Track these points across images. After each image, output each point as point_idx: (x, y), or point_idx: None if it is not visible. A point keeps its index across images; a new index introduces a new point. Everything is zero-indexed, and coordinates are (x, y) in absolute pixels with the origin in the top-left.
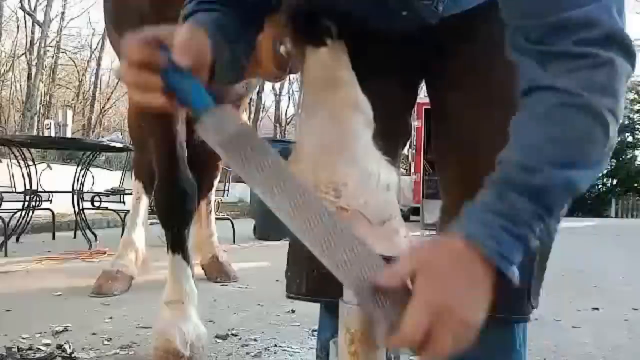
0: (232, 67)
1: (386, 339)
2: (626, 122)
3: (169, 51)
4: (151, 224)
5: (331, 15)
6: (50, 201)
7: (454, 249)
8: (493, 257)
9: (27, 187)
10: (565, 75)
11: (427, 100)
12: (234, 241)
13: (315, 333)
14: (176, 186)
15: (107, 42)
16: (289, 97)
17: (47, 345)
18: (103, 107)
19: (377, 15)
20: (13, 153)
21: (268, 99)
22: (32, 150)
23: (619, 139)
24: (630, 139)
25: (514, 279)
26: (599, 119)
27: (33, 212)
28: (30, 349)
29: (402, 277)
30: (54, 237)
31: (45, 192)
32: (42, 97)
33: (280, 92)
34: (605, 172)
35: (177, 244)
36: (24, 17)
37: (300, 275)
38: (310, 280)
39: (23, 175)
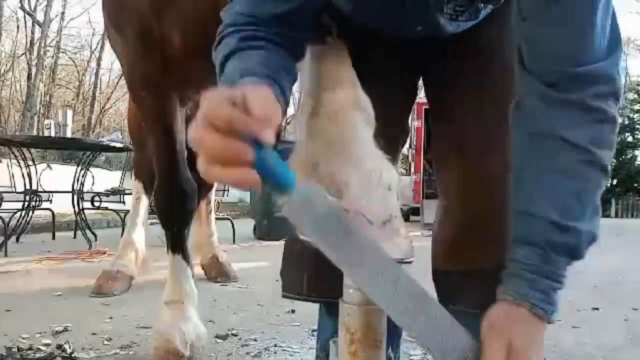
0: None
1: None
2: (626, 122)
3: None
4: (151, 224)
5: (331, 16)
6: (50, 201)
7: (525, 319)
8: (549, 315)
9: (27, 187)
10: (577, 127)
11: (426, 99)
12: (234, 241)
13: (315, 333)
14: (176, 186)
15: (107, 42)
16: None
17: (47, 345)
18: (103, 107)
19: (392, 29)
20: (13, 153)
21: None
22: (32, 150)
23: (619, 139)
24: (630, 139)
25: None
26: (605, 172)
27: (33, 212)
28: (30, 349)
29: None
30: (54, 237)
31: (45, 192)
32: (42, 97)
33: None
34: None
35: (177, 244)
36: (24, 17)
37: (298, 276)
38: (308, 280)
39: (23, 175)
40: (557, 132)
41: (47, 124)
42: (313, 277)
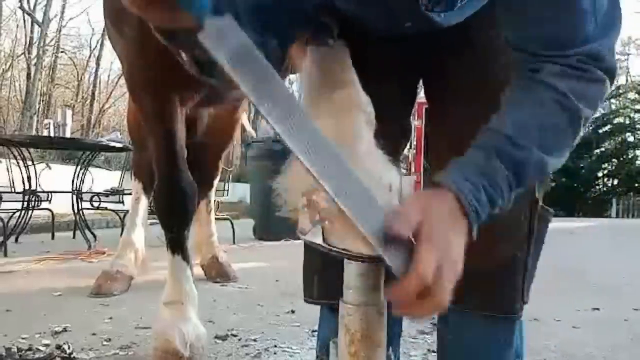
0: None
1: (398, 286)
2: (627, 121)
3: None
4: (151, 224)
5: (332, 16)
6: (50, 201)
7: (448, 201)
8: (471, 214)
9: (27, 187)
10: (565, 80)
11: (425, 99)
12: (234, 241)
13: (315, 333)
14: (176, 186)
15: (107, 42)
16: None
17: (46, 345)
18: (102, 107)
19: (383, 26)
20: (12, 153)
21: None
22: (31, 150)
23: (620, 139)
24: (631, 138)
25: (474, 234)
26: (578, 123)
27: (32, 212)
28: (29, 349)
29: (412, 224)
30: (53, 237)
31: (44, 192)
32: (41, 97)
33: None
34: (605, 172)
35: (176, 244)
36: (23, 16)
37: (311, 279)
38: (320, 283)
39: (22, 175)
40: (540, 77)
41: (46, 124)
42: (322, 280)
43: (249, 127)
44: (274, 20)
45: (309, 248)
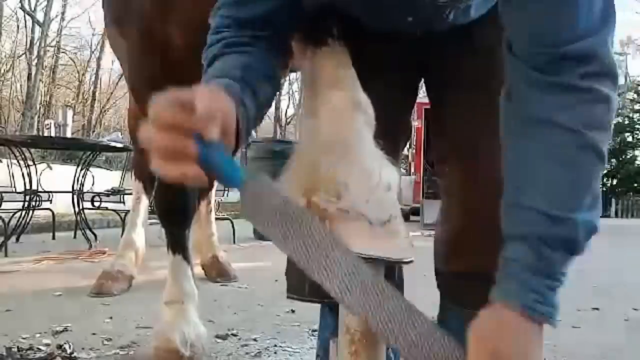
0: (258, 115)
1: None
2: (626, 122)
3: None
4: (151, 224)
5: (332, 15)
6: (50, 201)
7: (517, 324)
8: (546, 317)
9: (27, 187)
10: (568, 110)
11: (427, 100)
12: (234, 241)
13: (315, 333)
14: (176, 186)
15: (107, 42)
16: (289, 97)
17: (47, 345)
18: (103, 107)
19: (382, 19)
20: (13, 153)
21: None
22: (32, 150)
23: (619, 139)
24: (630, 138)
25: (556, 321)
26: (601, 157)
27: (33, 212)
28: (30, 349)
29: None
30: (54, 237)
31: (45, 192)
32: (42, 97)
33: (280, 92)
34: (605, 172)
35: (177, 244)
36: (24, 17)
37: (300, 277)
38: (310, 281)
39: (23, 175)
40: (548, 116)
41: (47, 124)
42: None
43: None
44: (273, 29)
45: None
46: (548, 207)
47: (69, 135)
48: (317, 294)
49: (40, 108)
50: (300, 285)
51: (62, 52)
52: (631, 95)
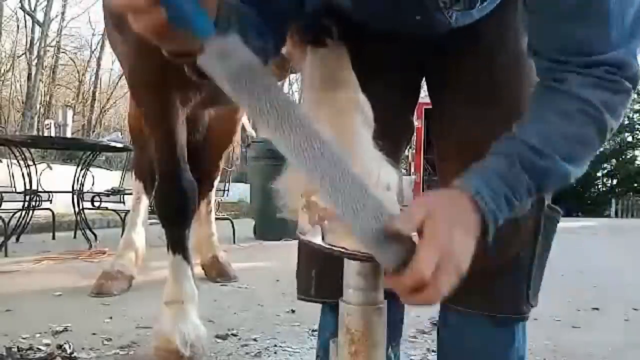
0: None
1: (394, 279)
2: (626, 122)
3: None
4: (151, 224)
5: (331, 16)
6: (50, 201)
7: (461, 202)
8: (489, 218)
9: (27, 187)
10: (592, 89)
11: (427, 100)
12: (234, 241)
13: (315, 333)
14: (177, 186)
15: (107, 42)
16: None
17: (47, 345)
18: (103, 107)
19: (390, 18)
20: (13, 153)
21: None
22: (32, 150)
23: (619, 139)
24: (630, 138)
25: (490, 238)
26: (603, 134)
27: (33, 212)
28: (30, 348)
29: (415, 221)
30: (54, 237)
31: (45, 192)
32: (42, 97)
33: None
34: (605, 172)
35: (177, 243)
36: (24, 17)
37: (309, 278)
38: (318, 282)
39: (23, 175)
40: (575, 90)
41: (47, 124)
42: (320, 279)
43: (249, 128)
44: (273, 17)
45: (305, 247)
46: (537, 143)
47: (69, 135)
48: (323, 295)
49: (40, 108)
50: (308, 286)
51: (62, 52)
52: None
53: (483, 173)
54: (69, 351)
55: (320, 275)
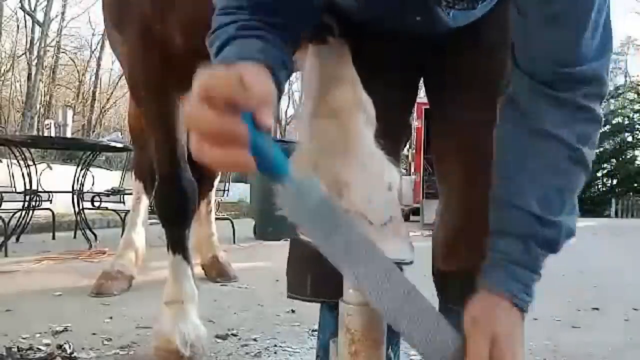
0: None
1: None
2: (626, 122)
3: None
4: (151, 224)
5: (332, 14)
6: (50, 201)
7: (505, 309)
8: (526, 309)
9: (27, 187)
10: (567, 125)
11: (427, 100)
12: (234, 241)
13: (315, 333)
14: (176, 186)
15: (107, 42)
16: (289, 97)
17: (47, 345)
18: (103, 107)
19: (390, 18)
20: (13, 153)
21: None
22: (32, 150)
23: (619, 139)
24: (630, 139)
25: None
26: (587, 171)
27: (33, 212)
28: (30, 348)
29: (484, 356)
30: (54, 237)
31: (45, 192)
32: (42, 97)
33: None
34: (605, 172)
35: (177, 243)
36: (24, 17)
37: (302, 277)
38: (312, 281)
39: (23, 175)
40: (548, 128)
41: (47, 124)
42: (316, 278)
43: None
44: (281, 16)
45: (300, 246)
46: (539, 211)
47: (69, 135)
48: (318, 294)
49: (40, 108)
50: (302, 285)
51: (62, 52)
52: (631, 95)
53: (508, 270)
54: (69, 351)
55: (316, 275)
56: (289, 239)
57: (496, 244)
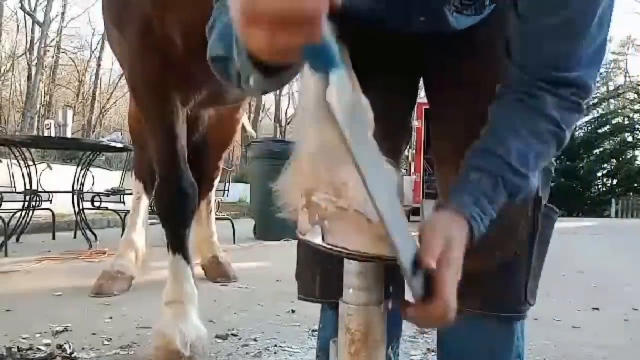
0: None
1: (420, 309)
2: (626, 121)
3: None
4: (151, 224)
5: (332, 15)
6: (50, 201)
7: (461, 225)
8: (477, 235)
9: (27, 187)
10: (560, 110)
11: (427, 100)
12: (234, 241)
13: (315, 333)
14: (176, 186)
15: (107, 42)
16: (289, 97)
17: (47, 345)
18: (103, 107)
19: (393, 17)
20: (13, 153)
21: (268, 99)
22: (32, 150)
23: (619, 139)
24: (630, 139)
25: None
26: (560, 148)
27: (33, 212)
28: (30, 349)
29: (437, 254)
30: (54, 237)
31: (45, 192)
32: (42, 97)
33: (280, 92)
34: (605, 172)
35: (177, 243)
36: (24, 17)
37: (312, 278)
38: (322, 283)
39: (23, 175)
40: (542, 107)
41: (47, 124)
42: (324, 280)
43: (249, 128)
44: None
45: (307, 247)
46: (515, 163)
47: (69, 135)
48: (327, 296)
49: (40, 108)
50: (311, 287)
51: (62, 52)
52: (631, 95)
53: (474, 195)
54: (69, 351)
55: (323, 275)
56: (289, 239)
57: (469, 174)
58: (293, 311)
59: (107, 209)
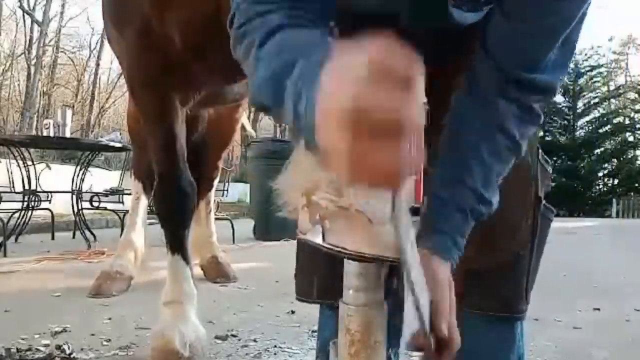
0: None
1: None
2: (627, 121)
3: None
4: (151, 224)
5: (332, 14)
6: (49, 201)
7: (447, 267)
8: (453, 263)
9: (26, 187)
10: (520, 125)
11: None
12: (233, 241)
13: (315, 334)
14: (176, 186)
15: (106, 42)
16: None
17: (46, 345)
18: (102, 107)
19: (401, 13)
20: (12, 153)
21: None
22: (31, 150)
23: (620, 139)
24: (631, 138)
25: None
26: (517, 159)
27: (32, 212)
28: (29, 349)
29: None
30: (53, 237)
31: (44, 192)
32: (41, 97)
33: None
34: (606, 172)
35: (176, 244)
36: (23, 16)
37: (310, 279)
38: (320, 283)
39: (22, 175)
40: (501, 120)
41: (46, 124)
42: (322, 280)
43: (249, 127)
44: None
45: (307, 248)
46: (483, 191)
47: (68, 135)
48: (324, 296)
49: (39, 108)
50: (309, 287)
51: (61, 52)
52: (632, 95)
53: (452, 236)
54: (68, 352)
55: (321, 276)
56: (289, 239)
57: (442, 212)
58: (293, 312)
59: (106, 209)
